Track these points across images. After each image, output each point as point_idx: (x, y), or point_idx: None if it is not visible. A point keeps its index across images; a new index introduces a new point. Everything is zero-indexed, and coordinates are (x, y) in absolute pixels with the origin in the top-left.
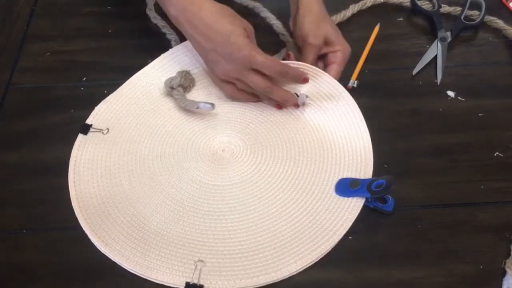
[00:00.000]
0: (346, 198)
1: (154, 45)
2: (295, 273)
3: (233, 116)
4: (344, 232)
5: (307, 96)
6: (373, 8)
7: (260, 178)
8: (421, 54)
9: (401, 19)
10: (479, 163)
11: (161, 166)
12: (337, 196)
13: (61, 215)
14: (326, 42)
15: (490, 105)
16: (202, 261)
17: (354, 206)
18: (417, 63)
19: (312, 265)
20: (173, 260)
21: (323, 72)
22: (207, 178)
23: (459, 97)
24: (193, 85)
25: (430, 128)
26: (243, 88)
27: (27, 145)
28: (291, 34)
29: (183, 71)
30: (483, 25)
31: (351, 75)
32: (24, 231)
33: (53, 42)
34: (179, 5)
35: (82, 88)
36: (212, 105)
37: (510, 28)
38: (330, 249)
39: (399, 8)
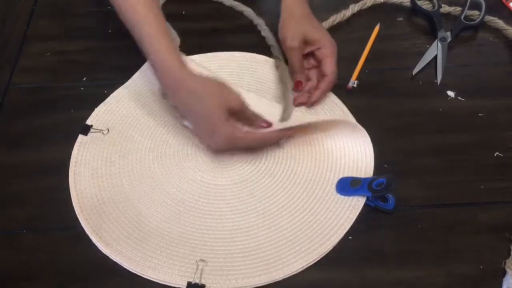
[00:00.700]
0: (346, 198)
1: None
2: (296, 272)
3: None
4: (345, 231)
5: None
6: (373, 8)
7: (261, 177)
8: (421, 54)
9: (401, 19)
10: (479, 163)
11: (161, 166)
12: (338, 195)
13: (61, 215)
14: (306, 42)
15: (490, 105)
16: (203, 260)
17: (354, 205)
18: (417, 63)
19: (313, 265)
20: (175, 260)
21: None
22: (208, 177)
23: (459, 97)
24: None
25: (430, 128)
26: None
27: (27, 145)
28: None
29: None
30: (483, 25)
31: (351, 75)
32: (24, 231)
33: (53, 42)
34: (160, 78)
35: (82, 88)
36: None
37: (510, 28)
38: (331, 248)
39: (399, 8)
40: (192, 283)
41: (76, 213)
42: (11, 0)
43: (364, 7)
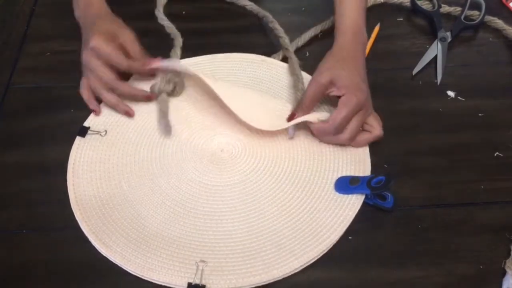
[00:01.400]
0: (345, 196)
1: (156, 45)
2: (296, 270)
3: (232, 116)
4: (344, 229)
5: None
6: (373, 8)
7: (260, 177)
8: (421, 54)
9: (401, 19)
10: (479, 163)
11: (160, 168)
12: (337, 194)
13: (61, 215)
14: (333, 83)
15: (490, 105)
16: (203, 261)
17: (354, 203)
18: (417, 63)
19: (312, 265)
20: (175, 261)
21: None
22: (206, 178)
23: (459, 97)
24: (182, 87)
25: (430, 128)
26: (93, 85)
27: (27, 145)
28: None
29: (166, 75)
30: (483, 25)
31: None
32: (24, 231)
33: (53, 42)
34: (81, 9)
35: None
36: (169, 132)
37: (510, 28)
38: (331, 246)
39: (399, 8)
40: (193, 283)
41: (76, 215)
42: (11, 0)
43: None
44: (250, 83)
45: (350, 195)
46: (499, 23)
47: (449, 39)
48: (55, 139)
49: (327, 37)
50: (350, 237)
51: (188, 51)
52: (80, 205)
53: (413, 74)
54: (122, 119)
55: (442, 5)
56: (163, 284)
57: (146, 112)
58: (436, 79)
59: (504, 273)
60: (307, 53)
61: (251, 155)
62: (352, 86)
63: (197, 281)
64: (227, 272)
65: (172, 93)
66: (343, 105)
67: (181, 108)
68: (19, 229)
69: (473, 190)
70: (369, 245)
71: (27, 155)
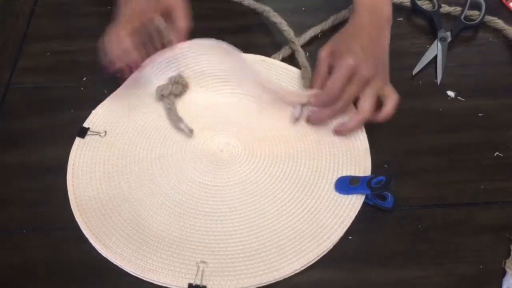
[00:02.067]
0: (346, 196)
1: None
2: (297, 271)
3: (231, 116)
4: (344, 229)
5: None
6: None
7: (260, 178)
8: (421, 54)
9: (401, 19)
10: (479, 163)
11: (159, 168)
12: (337, 194)
13: (61, 215)
14: (333, 55)
15: (490, 105)
16: (204, 262)
17: (354, 203)
18: (417, 63)
19: (313, 265)
20: (175, 262)
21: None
22: (206, 179)
23: (459, 97)
24: (187, 88)
25: (430, 128)
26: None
27: (27, 145)
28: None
29: (174, 76)
30: (483, 25)
31: None
32: (24, 231)
33: (53, 42)
34: None
35: (82, 88)
36: (191, 131)
37: (510, 28)
38: (332, 246)
39: (399, 8)
40: (193, 284)
41: (75, 216)
42: (11, 0)
43: None
44: None
45: (350, 195)
46: (499, 23)
47: (449, 39)
48: (55, 139)
49: (327, 37)
50: (350, 237)
51: None
52: (80, 206)
53: (413, 74)
54: (122, 120)
55: (442, 5)
56: (163, 285)
57: (145, 112)
58: (436, 79)
59: (504, 273)
60: (307, 53)
61: (251, 155)
62: (345, 52)
63: (198, 282)
64: (228, 273)
65: (180, 94)
66: (334, 71)
67: (181, 108)
68: (19, 229)
69: (473, 190)
70: (369, 245)
71: (27, 155)
